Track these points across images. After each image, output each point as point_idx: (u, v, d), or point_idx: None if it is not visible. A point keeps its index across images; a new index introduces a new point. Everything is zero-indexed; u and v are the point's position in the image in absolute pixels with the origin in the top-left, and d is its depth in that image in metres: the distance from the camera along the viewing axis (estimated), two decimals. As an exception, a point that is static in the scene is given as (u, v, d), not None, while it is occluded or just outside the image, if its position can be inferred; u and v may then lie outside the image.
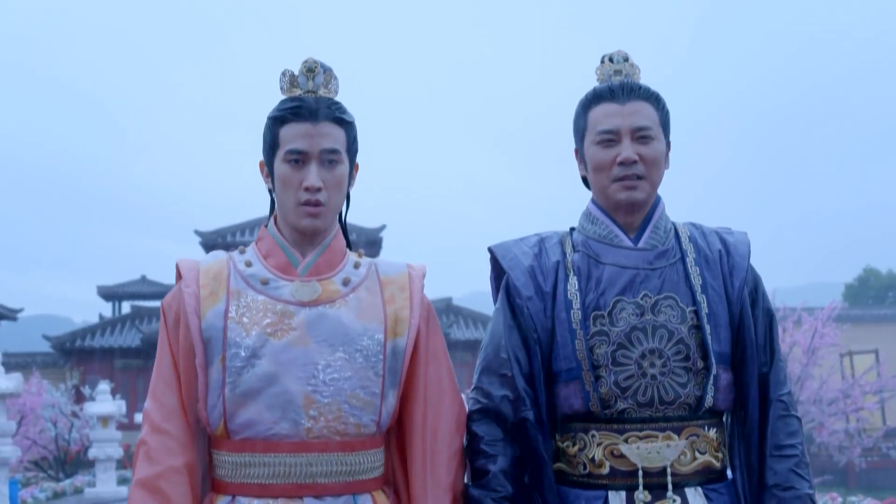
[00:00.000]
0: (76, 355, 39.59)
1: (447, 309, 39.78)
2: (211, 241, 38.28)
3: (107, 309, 47.49)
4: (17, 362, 36.26)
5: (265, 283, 2.90)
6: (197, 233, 39.49)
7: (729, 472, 3.08)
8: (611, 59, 3.16)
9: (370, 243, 39.33)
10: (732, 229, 3.23)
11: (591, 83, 3.17)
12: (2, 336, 44.95)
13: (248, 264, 2.94)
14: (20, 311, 43.08)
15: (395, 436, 3.01)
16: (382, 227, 40.70)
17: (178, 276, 2.97)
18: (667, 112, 3.13)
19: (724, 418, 3.10)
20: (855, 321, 31.13)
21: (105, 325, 41.20)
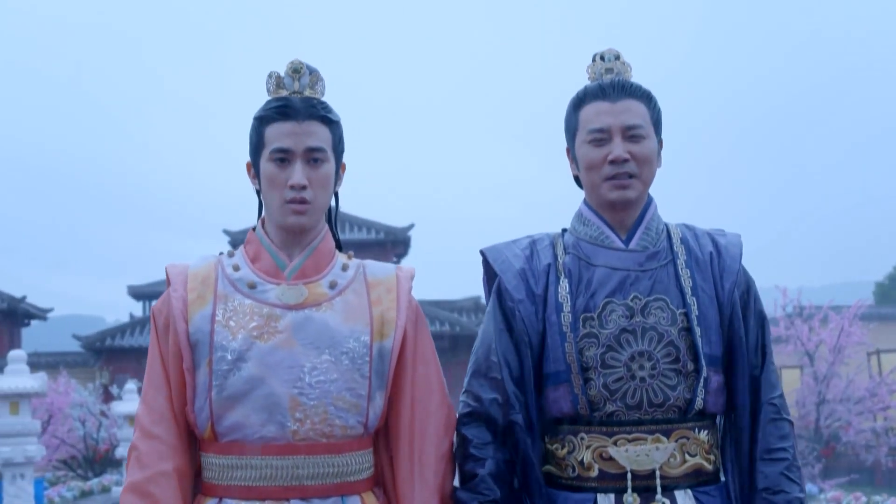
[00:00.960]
0: (106, 355, 39.71)
1: (475, 308, 39.70)
2: (240, 240, 38.01)
3: (138, 308, 47.65)
4: (48, 362, 36.44)
5: (252, 286, 2.91)
6: (226, 232, 39.66)
7: (722, 475, 3.06)
8: (602, 58, 3.14)
9: (398, 243, 39.39)
10: (725, 231, 3.20)
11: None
12: (33, 336, 45.31)
13: (236, 268, 2.95)
14: (50, 310, 43.35)
15: (385, 437, 3.00)
16: (411, 227, 40.68)
17: (168, 282, 2.97)
18: (658, 110, 3.12)
19: (716, 420, 3.08)
20: (883, 319, 30.93)
21: (134, 325, 41.31)
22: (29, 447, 13.12)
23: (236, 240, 37.80)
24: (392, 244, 39.02)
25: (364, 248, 38.32)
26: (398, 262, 39.85)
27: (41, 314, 42.71)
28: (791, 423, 3.06)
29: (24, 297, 40.55)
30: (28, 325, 43.26)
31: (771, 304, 24.29)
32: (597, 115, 3.04)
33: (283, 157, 2.89)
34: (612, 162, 3.01)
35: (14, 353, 13.98)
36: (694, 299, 3.00)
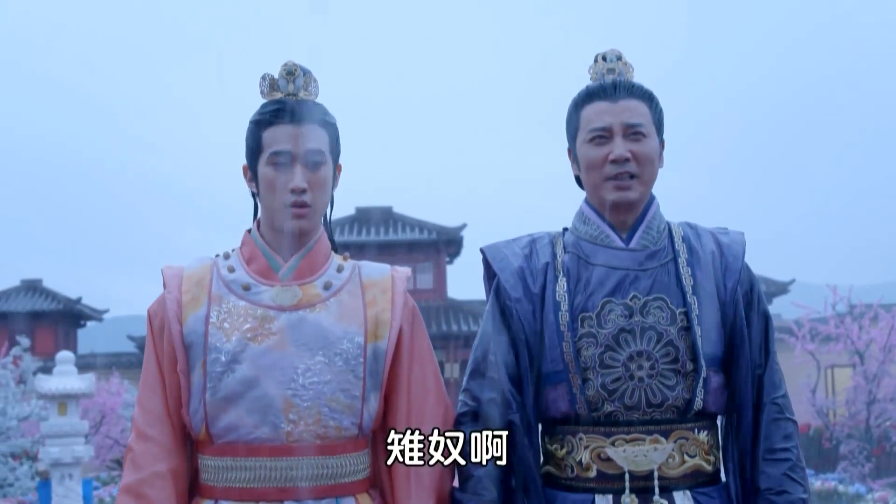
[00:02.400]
0: (160, 355, 39.87)
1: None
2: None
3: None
4: (103, 363, 36.68)
5: (247, 288, 2.91)
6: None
7: (723, 476, 3.03)
8: (604, 58, 3.12)
9: (451, 242, 39.32)
10: (729, 229, 3.18)
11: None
12: (88, 337, 45.68)
13: (231, 269, 2.95)
14: (106, 311, 43.72)
15: (381, 438, 2.99)
16: (463, 227, 40.61)
17: (164, 283, 2.98)
18: (660, 110, 3.10)
19: (717, 421, 3.05)
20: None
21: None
22: (77, 447, 13.26)
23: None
24: (445, 244, 38.94)
25: (416, 248, 38.37)
26: (451, 261, 39.91)
27: (97, 315, 43.10)
28: (795, 423, 3.02)
29: (79, 299, 40.99)
30: (84, 326, 43.72)
31: (821, 303, 24.10)
32: (598, 114, 3.03)
33: (283, 161, 2.89)
34: (614, 161, 2.98)
35: (62, 355, 14.12)
36: (694, 298, 2.97)
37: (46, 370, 13.94)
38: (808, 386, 23.93)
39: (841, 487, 18.71)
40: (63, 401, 13.35)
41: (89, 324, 44.29)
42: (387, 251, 37.08)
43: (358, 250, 36.74)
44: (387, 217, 39.88)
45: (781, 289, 39.42)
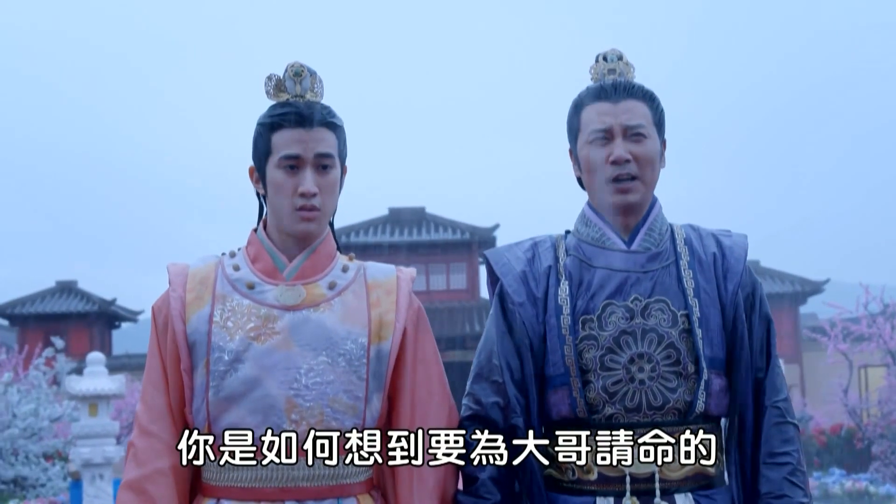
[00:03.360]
0: (194, 356, 40.03)
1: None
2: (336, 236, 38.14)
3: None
4: (137, 363, 36.87)
5: (251, 287, 2.92)
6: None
7: (726, 478, 3.02)
8: (605, 58, 3.12)
9: (483, 243, 39.24)
10: (732, 232, 3.17)
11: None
12: (123, 338, 45.87)
13: (236, 268, 2.96)
14: (140, 312, 43.89)
15: (384, 440, 2.97)
16: (496, 227, 40.57)
17: (169, 281, 2.99)
18: (661, 111, 3.09)
19: (721, 423, 3.04)
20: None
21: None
22: (108, 448, 13.33)
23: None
24: (478, 244, 38.89)
25: (450, 249, 38.40)
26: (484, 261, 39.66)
27: (131, 316, 43.35)
28: (796, 426, 3.02)
29: (114, 300, 41.21)
30: (118, 327, 43.98)
31: (853, 302, 23.96)
32: (598, 115, 3.02)
33: (293, 164, 2.89)
34: (614, 162, 2.98)
35: (92, 356, 14.19)
36: (696, 301, 2.96)
37: (80, 371, 14.01)
38: (840, 386, 23.82)
39: (872, 488, 18.64)
40: (94, 402, 13.42)
41: (124, 325, 44.54)
42: (419, 252, 37.16)
43: (390, 251, 36.77)
44: (419, 217, 39.90)
45: (816, 288, 39.20)
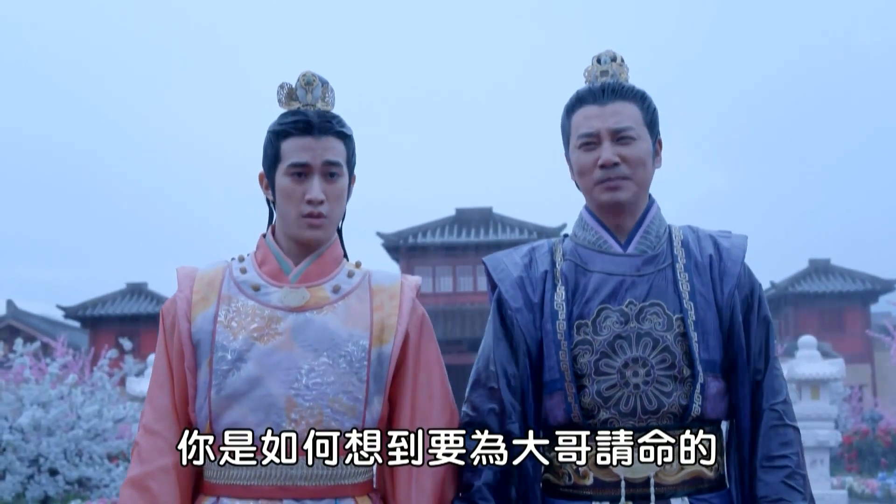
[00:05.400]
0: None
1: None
2: (392, 243, 38.66)
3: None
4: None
5: (256, 289, 2.98)
6: (379, 234, 40.02)
7: (727, 482, 3.02)
8: (599, 60, 3.12)
9: (551, 243, 39.23)
10: (731, 233, 3.15)
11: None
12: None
13: (243, 271, 3.02)
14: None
15: (384, 442, 3.00)
16: (563, 226, 40.50)
17: (178, 283, 3.06)
18: (653, 110, 3.08)
19: (720, 426, 3.04)
20: None
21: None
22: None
23: (389, 242, 38.13)
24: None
25: (517, 248, 38.40)
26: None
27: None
28: (796, 429, 2.99)
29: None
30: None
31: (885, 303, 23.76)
32: (586, 119, 3.02)
33: (301, 172, 2.94)
34: (602, 166, 2.98)
35: (151, 358, 14.22)
36: (691, 304, 2.96)
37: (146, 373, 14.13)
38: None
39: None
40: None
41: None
42: (487, 252, 36.88)
43: (458, 251, 36.82)
44: (486, 218, 39.99)
45: (887, 287, 38.81)
